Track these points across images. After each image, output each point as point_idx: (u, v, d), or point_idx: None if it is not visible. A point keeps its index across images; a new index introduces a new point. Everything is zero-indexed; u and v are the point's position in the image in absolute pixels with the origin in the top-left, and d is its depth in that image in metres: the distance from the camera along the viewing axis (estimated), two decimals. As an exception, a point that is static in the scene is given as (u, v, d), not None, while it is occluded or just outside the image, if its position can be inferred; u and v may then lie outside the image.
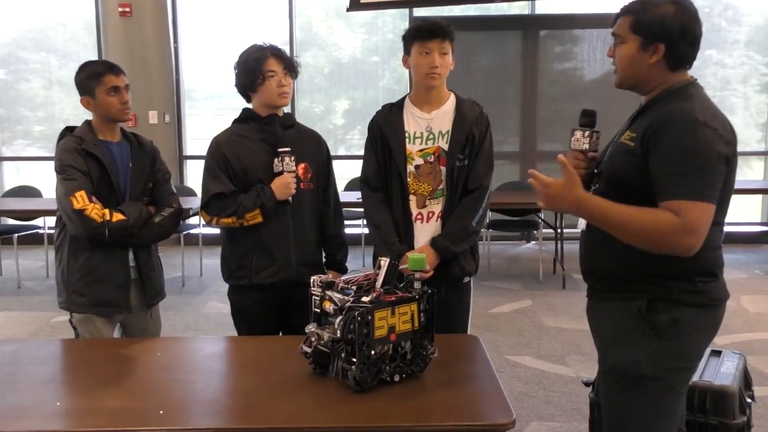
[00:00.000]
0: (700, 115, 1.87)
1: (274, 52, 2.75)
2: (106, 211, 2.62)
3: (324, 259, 2.96)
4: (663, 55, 1.96)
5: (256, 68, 2.71)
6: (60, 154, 2.67)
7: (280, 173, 2.73)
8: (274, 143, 2.76)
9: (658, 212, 1.85)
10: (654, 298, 1.97)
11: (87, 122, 2.78)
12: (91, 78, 2.71)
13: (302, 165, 2.80)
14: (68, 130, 2.78)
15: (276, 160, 2.73)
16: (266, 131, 2.78)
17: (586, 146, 2.11)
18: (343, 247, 2.99)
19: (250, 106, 2.84)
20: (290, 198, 2.75)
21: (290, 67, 2.77)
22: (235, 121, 2.86)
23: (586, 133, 2.12)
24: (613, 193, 1.97)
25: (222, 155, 2.75)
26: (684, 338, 1.97)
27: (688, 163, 1.84)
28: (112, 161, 2.73)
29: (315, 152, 2.88)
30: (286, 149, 2.74)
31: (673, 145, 1.86)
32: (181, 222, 6.60)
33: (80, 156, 2.65)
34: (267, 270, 2.76)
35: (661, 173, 1.88)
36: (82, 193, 2.60)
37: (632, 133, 1.99)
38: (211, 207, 2.74)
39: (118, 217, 2.64)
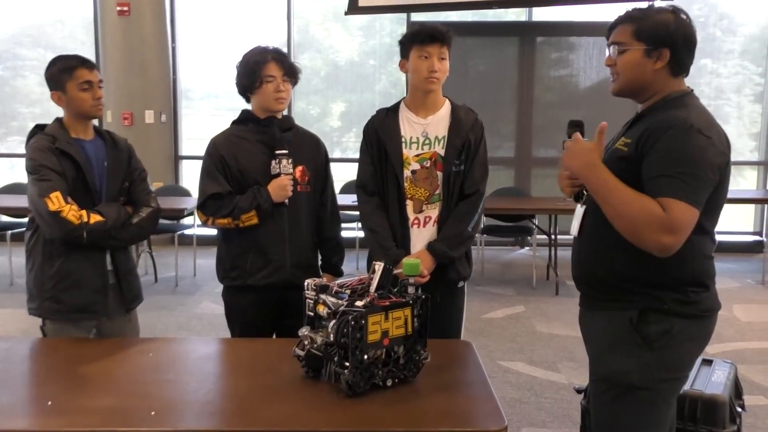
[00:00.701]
0: (696, 123, 1.88)
1: (276, 56, 2.74)
2: (83, 212, 2.52)
3: (320, 262, 2.97)
4: (667, 61, 1.98)
5: (255, 71, 2.71)
6: (32, 153, 2.56)
7: (277, 175, 2.73)
8: (271, 145, 2.76)
9: (653, 203, 1.85)
10: (646, 308, 1.98)
11: (58, 120, 2.67)
12: (63, 72, 2.61)
13: (300, 167, 2.80)
14: (38, 128, 2.66)
15: (273, 162, 2.74)
16: (264, 133, 2.79)
17: None
18: (340, 250, 3.00)
19: (249, 107, 2.84)
20: (286, 200, 2.75)
21: (290, 72, 2.77)
22: (234, 123, 2.86)
23: None
24: None
25: (219, 156, 2.76)
26: (675, 349, 1.97)
27: (680, 166, 1.85)
28: (87, 160, 2.63)
29: (313, 155, 2.89)
30: (284, 151, 2.74)
31: (666, 149, 1.87)
32: (176, 222, 6.61)
33: (54, 155, 2.54)
34: (261, 271, 2.76)
35: (652, 174, 1.89)
36: (58, 194, 2.49)
37: (627, 140, 2.00)
38: (207, 207, 2.75)
39: (95, 218, 2.55)
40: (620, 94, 2.10)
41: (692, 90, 2.05)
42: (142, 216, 2.72)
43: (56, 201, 2.48)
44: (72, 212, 2.49)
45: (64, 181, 2.54)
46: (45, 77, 2.66)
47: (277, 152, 2.74)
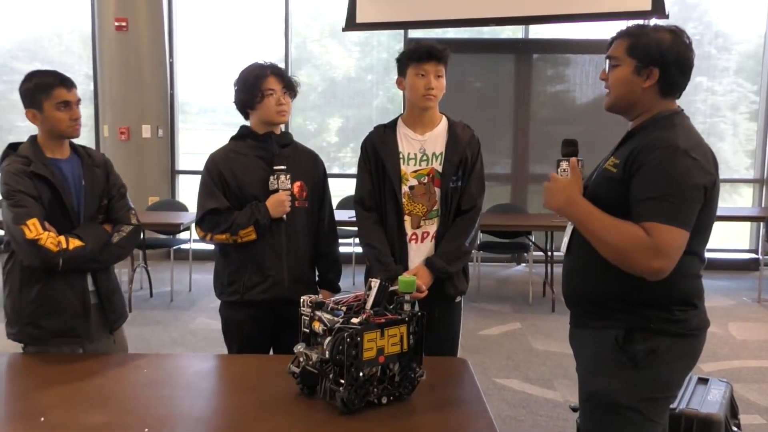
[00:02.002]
0: (682, 144, 1.88)
1: (274, 70, 2.77)
2: (62, 238, 2.43)
3: (317, 277, 2.96)
4: (656, 81, 1.98)
5: (256, 86, 2.73)
6: (6, 178, 2.45)
7: (275, 191, 2.74)
8: (270, 161, 2.77)
9: (635, 228, 1.86)
10: (632, 327, 1.97)
11: (32, 138, 2.58)
12: (39, 89, 2.51)
13: (298, 183, 2.81)
14: (11, 148, 2.57)
15: (271, 177, 2.74)
16: (263, 149, 2.79)
17: None
18: (337, 266, 2.99)
19: (247, 123, 2.85)
20: (284, 216, 2.75)
21: (289, 85, 2.79)
22: (233, 138, 2.87)
23: None
24: None
25: (218, 171, 2.76)
26: (661, 368, 1.96)
27: (666, 188, 1.85)
28: (64, 181, 2.54)
29: (311, 170, 2.89)
30: (282, 167, 2.75)
31: (653, 171, 1.87)
32: (172, 237, 6.60)
33: (29, 179, 2.45)
34: (259, 286, 2.76)
35: (639, 196, 1.89)
36: (35, 220, 2.39)
37: (616, 160, 2.00)
38: (205, 223, 2.75)
39: (75, 243, 2.45)
40: (611, 110, 2.11)
41: (682, 110, 2.05)
42: (122, 235, 2.63)
43: (33, 228, 2.39)
44: (50, 239, 2.40)
45: (40, 205, 2.45)
46: (19, 93, 2.56)
47: (276, 168, 2.75)
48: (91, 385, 2.20)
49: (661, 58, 1.96)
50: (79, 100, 2.59)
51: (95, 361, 2.48)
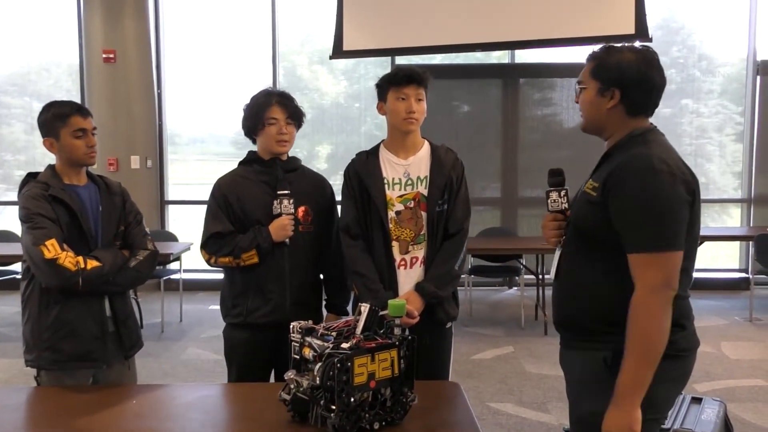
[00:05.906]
0: (656, 162, 1.87)
1: (280, 99, 2.81)
2: (80, 258, 2.48)
3: (324, 301, 2.97)
4: (619, 101, 1.99)
5: (259, 114, 2.78)
6: (25, 202, 2.52)
7: (279, 215, 2.76)
8: (275, 186, 2.80)
9: (632, 314, 1.86)
10: (620, 349, 1.95)
11: (50, 167, 2.66)
12: (57, 119, 2.59)
13: (302, 208, 2.83)
14: (31, 176, 2.64)
15: (275, 202, 2.77)
16: (268, 174, 2.83)
17: (566, 205, 2.14)
18: (344, 289, 2.99)
19: (255, 148, 2.90)
20: (287, 240, 2.76)
21: (294, 115, 2.82)
22: (241, 163, 2.92)
23: (562, 193, 2.16)
24: (579, 240, 2.01)
25: (223, 196, 2.81)
26: (649, 389, 1.93)
27: (649, 211, 1.85)
28: (82, 206, 2.60)
29: (317, 195, 2.92)
30: (285, 192, 2.77)
31: (633, 194, 1.87)
32: (162, 267, 6.57)
33: (47, 202, 2.51)
34: (260, 310, 2.77)
35: (624, 222, 1.88)
36: (53, 241, 2.44)
37: (594, 183, 1.99)
38: (209, 245, 2.79)
39: (92, 264, 2.51)
40: (586, 131, 2.13)
41: (655, 126, 2.05)
42: (139, 259, 2.69)
43: (52, 248, 2.44)
44: (68, 259, 2.45)
45: (58, 227, 2.50)
46: (38, 123, 2.64)
47: (279, 192, 2.77)
48: (80, 418, 2.17)
49: (620, 79, 1.97)
50: (94, 129, 2.66)
51: (83, 393, 2.46)
